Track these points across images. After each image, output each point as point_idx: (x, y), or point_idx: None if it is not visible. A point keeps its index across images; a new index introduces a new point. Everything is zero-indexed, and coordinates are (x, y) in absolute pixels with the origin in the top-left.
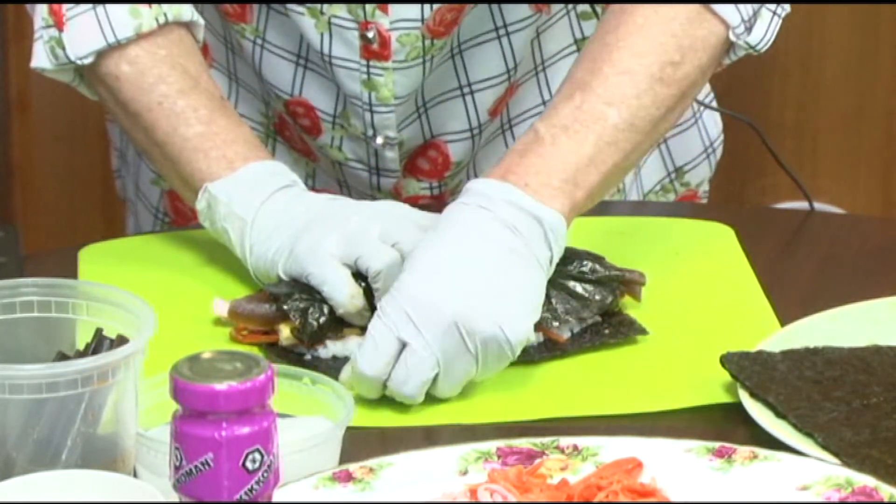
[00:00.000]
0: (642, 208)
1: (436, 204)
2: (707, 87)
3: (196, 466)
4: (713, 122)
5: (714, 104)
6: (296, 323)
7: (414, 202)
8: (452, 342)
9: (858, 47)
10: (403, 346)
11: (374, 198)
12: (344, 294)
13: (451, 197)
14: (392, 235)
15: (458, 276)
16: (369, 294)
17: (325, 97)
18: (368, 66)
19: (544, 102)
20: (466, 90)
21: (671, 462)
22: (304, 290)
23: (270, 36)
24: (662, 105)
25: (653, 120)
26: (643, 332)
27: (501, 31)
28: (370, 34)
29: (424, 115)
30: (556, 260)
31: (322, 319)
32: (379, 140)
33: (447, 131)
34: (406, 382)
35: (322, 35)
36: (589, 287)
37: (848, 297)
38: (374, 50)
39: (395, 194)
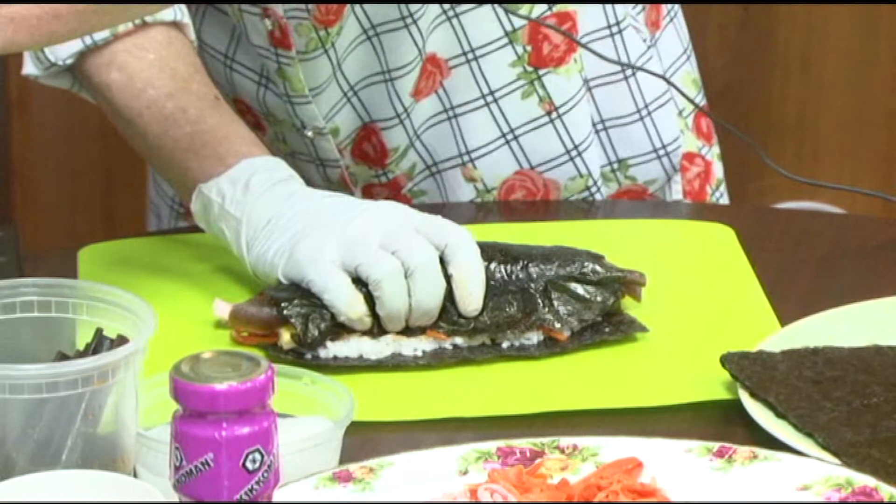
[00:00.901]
0: (643, 209)
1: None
2: (675, 102)
3: (196, 466)
4: (668, 125)
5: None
6: (297, 329)
7: (369, 191)
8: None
9: (858, 47)
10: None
11: (328, 188)
12: (345, 302)
13: (408, 183)
14: (393, 242)
15: None
16: (370, 300)
17: (252, 95)
18: (277, 55)
19: (483, 96)
20: (387, 76)
21: (671, 462)
22: (306, 294)
23: (204, 36)
24: None
25: None
26: (643, 329)
27: (409, 20)
28: (268, 21)
29: (355, 97)
30: None
31: (323, 326)
32: (309, 133)
33: (379, 118)
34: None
35: (239, 24)
36: (590, 289)
37: (848, 297)
38: (279, 38)
39: (344, 186)
